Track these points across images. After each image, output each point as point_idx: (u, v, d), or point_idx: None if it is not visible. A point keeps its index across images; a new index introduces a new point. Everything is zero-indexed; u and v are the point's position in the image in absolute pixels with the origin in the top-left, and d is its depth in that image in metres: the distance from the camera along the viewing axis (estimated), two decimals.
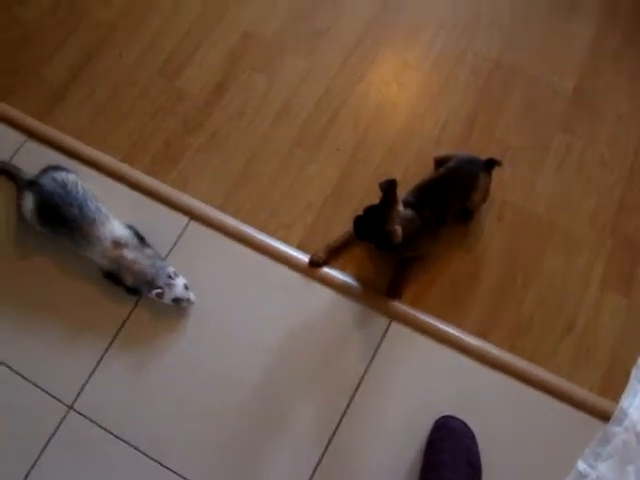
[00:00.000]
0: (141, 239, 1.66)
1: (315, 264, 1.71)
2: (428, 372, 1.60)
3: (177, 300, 1.60)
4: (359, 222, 1.55)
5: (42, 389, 1.60)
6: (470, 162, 1.66)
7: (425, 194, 1.63)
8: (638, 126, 1.86)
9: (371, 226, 1.51)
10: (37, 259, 1.73)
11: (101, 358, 1.63)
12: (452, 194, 1.63)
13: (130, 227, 1.67)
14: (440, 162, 1.76)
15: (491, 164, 1.66)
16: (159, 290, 1.56)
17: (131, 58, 2.00)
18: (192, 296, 1.62)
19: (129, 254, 1.60)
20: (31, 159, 1.82)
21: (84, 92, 1.96)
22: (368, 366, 1.61)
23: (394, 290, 1.68)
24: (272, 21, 2.04)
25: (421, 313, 1.66)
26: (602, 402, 1.54)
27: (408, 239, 1.49)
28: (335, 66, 1.98)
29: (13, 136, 1.89)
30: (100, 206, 1.65)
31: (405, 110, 1.92)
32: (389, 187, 1.50)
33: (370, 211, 1.53)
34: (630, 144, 1.84)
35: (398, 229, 1.46)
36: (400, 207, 1.52)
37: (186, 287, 1.61)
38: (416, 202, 1.60)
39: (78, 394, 1.60)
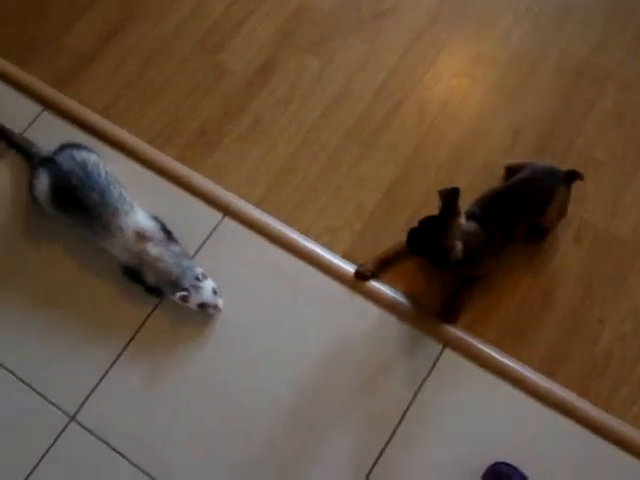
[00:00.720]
0: (168, 233, 1.72)
1: (362, 276, 1.75)
2: (482, 408, 1.63)
3: (203, 305, 1.65)
4: (414, 235, 1.58)
5: (43, 396, 1.67)
6: (547, 173, 1.70)
7: (493, 206, 1.66)
8: None
9: (427, 240, 1.54)
10: (47, 248, 1.80)
11: (111, 366, 1.68)
12: (524, 208, 1.66)
13: (156, 219, 1.73)
14: (512, 171, 1.80)
15: (572, 177, 1.69)
16: (184, 292, 1.61)
17: (168, 27, 2.10)
18: (220, 302, 1.67)
19: (153, 249, 1.66)
20: (47, 133, 1.92)
21: (112, 63, 2.06)
22: (415, 395, 1.64)
23: (450, 312, 1.71)
24: None
25: (479, 341, 1.69)
26: None
27: (470, 256, 1.53)
28: (399, 52, 2.05)
29: (28, 106, 1.98)
30: (124, 193, 1.71)
31: (475, 109, 1.98)
32: (450, 196, 1.53)
33: (427, 223, 1.56)
34: None
35: (458, 245, 1.50)
36: (462, 220, 1.55)
37: (215, 292, 1.66)
38: (482, 214, 1.63)
39: (82, 404, 1.65)
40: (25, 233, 1.82)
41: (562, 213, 1.74)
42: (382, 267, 1.77)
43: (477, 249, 1.58)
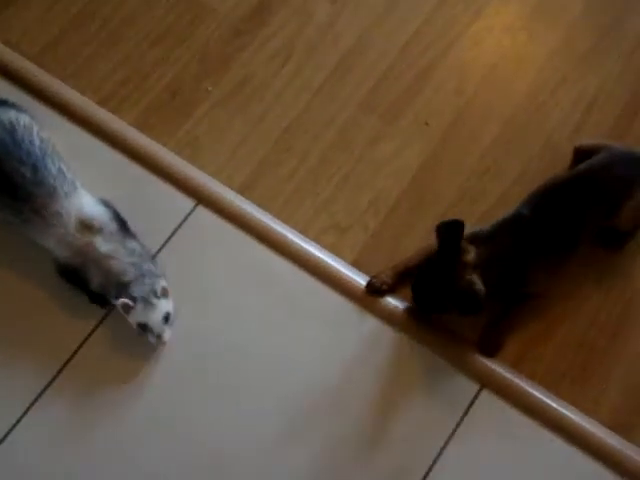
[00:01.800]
0: (122, 224, 1.70)
1: (376, 290, 1.76)
2: (528, 464, 1.65)
3: (144, 328, 1.62)
4: (419, 292, 1.66)
5: None
6: (628, 160, 1.71)
7: (549, 202, 1.67)
8: None
9: (437, 292, 1.61)
10: None
11: (32, 403, 1.67)
12: (593, 204, 1.67)
13: (107, 205, 1.70)
14: (583, 155, 1.79)
15: None
16: (128, 301, 1.59)
17: None
18: (167, 335, 1.64)
19: (103, 244, 1.63)
20: None
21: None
22: (442, 449, 1.65)
23: (490, 343, 1.72)
24: None
25: (527, 382, 1.70)
26: None
27: (502, 279, 1.60)
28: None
29: None
30: (65, 168, 1.68)
31: (534, 74, 2.01)
32: (450, 232, 1.58)
33: (428, 272, 1.63)
34: None
35: (475, 279, 1.55)
36: (470, 255, 1.59)
37: (167, 319, 1.64)
38: (531, 215, 1.64)
39: (2, 439, 1.64)
40: None
41: None
42: (401, 280, 1.77)
43: (508, 266, 1.62)
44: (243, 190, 1.88)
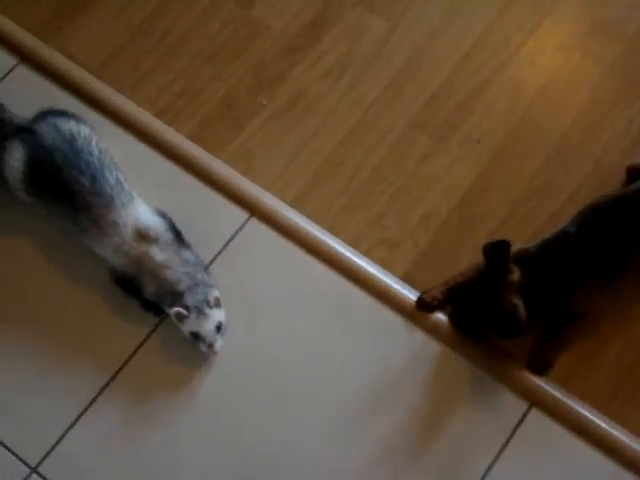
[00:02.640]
0: (177, 234, 1.73)
1: (426, 306, 1.77)
2: None
3: (197, 337, 1.64)
4: (460, 315, 1.73)
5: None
6: None
7: (597, 221, 1.67)
8: None
9: (480, 315, 1.65)
10: (12, 246, 1.82)
11: (87, 407, 1.69)
12: None
13: (163, 215, 1.74)
14: (636, 175, 1.80)
15: None
16: (182, 310, 1.61)
17: None
18: (219, 344, 1.67)
19: (159, 254, 1.66)
20: (22, 93, 1.99)
21: (112, 8, 2.13)
22: (493, 462, 1.67)
23: (540, 362, 1.71)
24: None
25: (577, 402, 1.70)
26: None
27: (547, 299, 1.64)
28: (490, 14, 2.12)
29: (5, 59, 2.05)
30: (122, 179, 1.71)
31: (586, 94, 2.02)
32: (498, 252, 1.60)
33: (471, 293, 1.67)
34: None
35: (519, 303, 1.58)
36: (515, 275, 1.60)
37: (219, 328, 1.65)
38: (577, 233, 1.66)
39: (47, 454, 1.66)
40: None
41: None
42: (452, 296, 1.76)
43: (553, 286, 1.65)
44: (295, 203, 1.91)
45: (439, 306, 1.79)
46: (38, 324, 1.76)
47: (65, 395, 1.70)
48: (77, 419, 1.69)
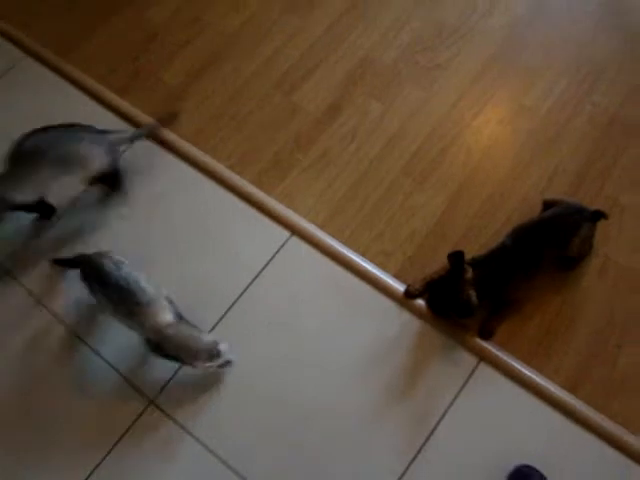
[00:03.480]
0: (180, 317, 1.72)
1: (410, 295, 1.84)
2: (511, 418, 1.69)
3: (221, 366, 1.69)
4: (433, 302, 1.77)
5: None
6: (576, 210, 1.79)
7: (523, 235, 1.77)
8: None
9: (446, 302, 1.70)
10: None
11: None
12: (551, 239, 1.76)
13: (172, 303, 1.71)
14: (548, 205, 1.88)
15: (597, 216, 1.79)
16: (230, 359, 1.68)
17: (251, 68, 2.24)
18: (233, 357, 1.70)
19: (170, 329, 1.67)
20: (146, 156, 2.07)
21: (200, 98, 2.20)
22: (451, 404, 1.71)
23: (486, 331, 1.79)
24: (393, 49, 2.26)
25: (511, 357, 1.75)
26: None
27: (492, 289, 1.71)
28: (451, 100, 2.16)
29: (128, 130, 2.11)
30: (148, 287, 1.69)
31: (516, 154, 2.07)
32: (457, 258, 1.67)
33: (440, 287, 1.73)
34: None
35: (472, 294, 1.65)
36: (469, 273, 1.67)
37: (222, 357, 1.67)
38: (512, 244, 1.75)
39: None
40: None
41: (587, 248, 1.84)
42: (428, 288, 1.84)
43: (496, 281, 1.73)
44: (322, 226, 1.97)
45: (419, 294, 1.84)
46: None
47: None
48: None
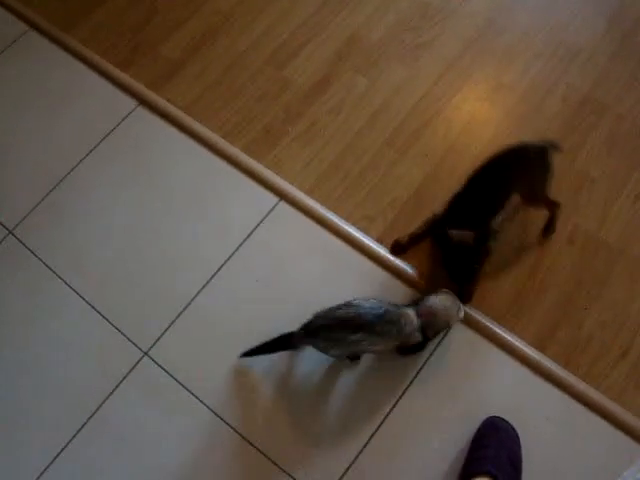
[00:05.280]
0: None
1: (397, 247, 1.84)
2: (483, 374, 1.71)
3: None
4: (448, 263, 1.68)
5: None
6: (524, 148, 1.72)
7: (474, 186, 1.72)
8: None
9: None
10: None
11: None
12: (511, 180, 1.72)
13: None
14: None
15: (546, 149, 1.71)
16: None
17: (245, 44, 2.23)
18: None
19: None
20: (141, 125, 2.07)
21: (196, 71, 2.19)
22: (425, 362, 1.71)
23: (466, 295, 1.75)
24: (379, 28, 2.26)
25: (484, 316, 1.76)
26: None
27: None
28: (433, 77, 2.15)
29: (126, 101, 2.14)
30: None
31: (493, 129, 2.06)
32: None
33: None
34: None
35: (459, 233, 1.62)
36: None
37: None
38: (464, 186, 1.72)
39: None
40: None
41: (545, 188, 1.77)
42: (413, 242, 1.83)
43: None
44: (310, 192, 1.97)
45: (405, 248, 1.84)
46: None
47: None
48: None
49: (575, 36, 2.23)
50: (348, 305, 1.57)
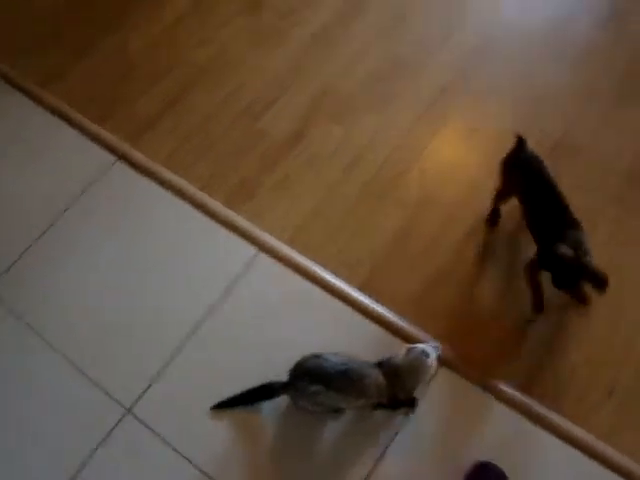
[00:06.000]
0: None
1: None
2: (467, 419, 1.66)
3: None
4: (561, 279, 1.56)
5: None
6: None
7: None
8: None
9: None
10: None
11: None
12: None
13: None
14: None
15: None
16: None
17: (219, 98, 2.22)
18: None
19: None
20: (119, 179, 2.04)
21: (173, 124, 2.17)
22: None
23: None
24: (353, 79, 2.26)
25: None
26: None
27: None
28: (407, 125, 2.16)
29: (105, 156, 2.09)
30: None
31: (470, 173, 2.07)
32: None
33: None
34: None
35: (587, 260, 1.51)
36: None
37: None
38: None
39: None
40: None
41: None
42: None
43: None
44: (290, 241, 1.94)
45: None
46: None
47: None
48: None
49: (545, 82, 2.25)
50: (317, 357, 1.53)
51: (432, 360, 1.51)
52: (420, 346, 1.53)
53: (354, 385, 1.50)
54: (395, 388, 1.54)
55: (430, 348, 1.52)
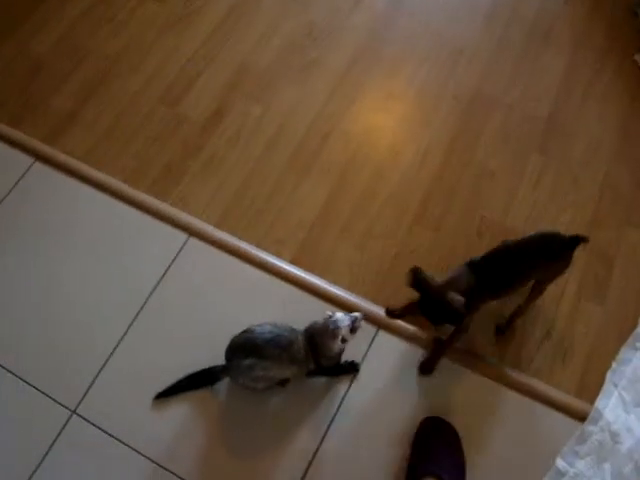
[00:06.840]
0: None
1: (391, 314, 1.68)
2: (412, 379, 1.66)
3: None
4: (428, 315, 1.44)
5: None
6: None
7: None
8: (607, 147, 2.01)
9: (435, 313, 1.42)
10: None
11: None
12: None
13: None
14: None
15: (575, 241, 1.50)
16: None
17: (135, 86, 2.14)
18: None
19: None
20: (39, 180, 1.96)
21: (90, 119, 2.09)
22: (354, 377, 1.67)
23: (428, 366, 1.65)
24: (267, 53, 2.20)
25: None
26: (579, 403, 1.62)
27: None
28: (325, 94, 2.11)
29: (22, 158, 2.00)
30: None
31: (390, 136, 2.06)
32: (416, 280, 1.40)
33: (425, 302, 1.43)
34: (601, 163, 1.97)
35: (454, 298, 1.37)
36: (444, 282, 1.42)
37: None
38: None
39: None
40: None
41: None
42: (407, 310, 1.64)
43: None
44: (219, 224, 1.90)
45: (400, 315, 1.67)
46: None
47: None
48: None
49: (457, 37, 2.23)
50: (245, 331, 1.53)
51: (344, 327, 1.46)
52: (338, 314, 1.49)
53: (285, 351, 1.49)
54: (314, 353, 1.52)
55: (346, 316, 1.48)
